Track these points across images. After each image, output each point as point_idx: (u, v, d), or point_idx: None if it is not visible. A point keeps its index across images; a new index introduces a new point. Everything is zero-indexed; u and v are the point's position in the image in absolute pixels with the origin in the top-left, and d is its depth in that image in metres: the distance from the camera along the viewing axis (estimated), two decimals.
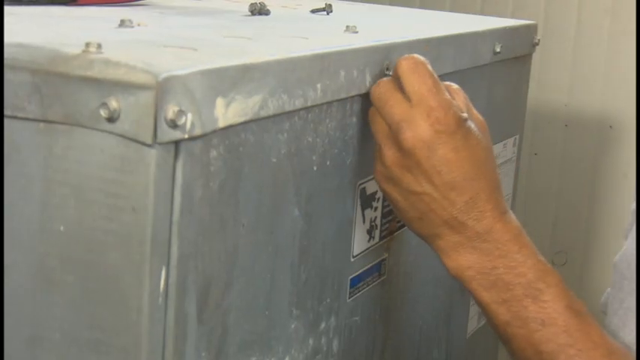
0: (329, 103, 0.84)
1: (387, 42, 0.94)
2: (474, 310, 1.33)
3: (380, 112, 0.86)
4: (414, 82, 0.84)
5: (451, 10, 1.62)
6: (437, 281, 1.18)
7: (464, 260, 0.87)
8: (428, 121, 0.83)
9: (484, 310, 0.87)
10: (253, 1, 1.12)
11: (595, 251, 2.08)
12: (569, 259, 2.13)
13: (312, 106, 0.82)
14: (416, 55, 0.85)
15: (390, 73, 0.89)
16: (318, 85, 0.82)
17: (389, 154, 0.84)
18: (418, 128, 0.83)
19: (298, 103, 0.79)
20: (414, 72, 0.85)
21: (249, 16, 1.08)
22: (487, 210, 0.86)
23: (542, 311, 0.85)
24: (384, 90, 0.86)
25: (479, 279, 0.86)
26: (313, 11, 1.16)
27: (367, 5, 1.47)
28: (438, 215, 0.85)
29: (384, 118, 0.86)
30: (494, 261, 0.87)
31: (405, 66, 0.84)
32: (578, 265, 2.12)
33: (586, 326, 0.85)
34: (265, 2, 1.13)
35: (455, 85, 0.89)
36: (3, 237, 0.79)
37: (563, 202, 2.15)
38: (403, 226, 1.03)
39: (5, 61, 0.72)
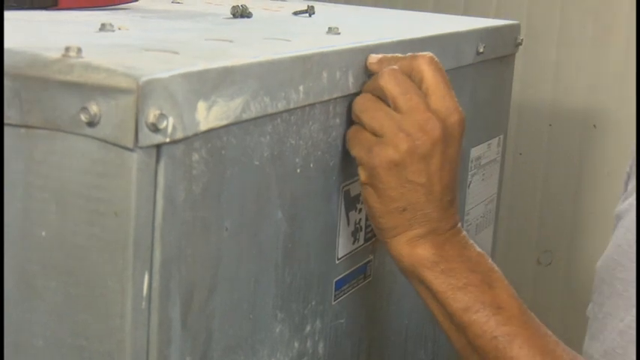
0: (312, 105, 0.84)
1: (370, 43, 0.95)
2: None
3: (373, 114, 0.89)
4: (400, 89, 0.87)
5: (434, 11, 1.63)
6: None
7: (423, 250, 0.88)
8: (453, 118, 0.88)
9: (439, 297, 0.87)
10: (235, 4, 1.12)
11: (580, 250, 2.09)
12: (555, 258, 2.15)
13: (295, 108, 0.82)
14: (397, 69, 0.87)
15: None
16: (301, 87, 0.82)
17: (405, 140, 0.86)
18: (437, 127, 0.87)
19: (281, 106, 0.80)
20: (400, 84, 0.87)
21: (231, 18, 1.08)
22: (456, 210, 0.90)
23: (498, 297, 0.86)
24: (369, 102, 0.90)
25: (437, 267, 0.87)
26: (295, 13, 1.17)
27: (350, 7, 1.47)
28: (423, 208, 0.87)
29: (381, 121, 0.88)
30: (456, 251, 0.88)
31: (388, 75, 0.88)
32: (564, 265, 2.14)
33: (533, 317, 0.89)
34: (247, 5, 1.13)
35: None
36: (3, 237, 0.79)
37: (548, 202, 2.17)
38: None
39: None
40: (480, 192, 1.34)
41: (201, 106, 0.70)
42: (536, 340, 0.86)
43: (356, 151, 0.87)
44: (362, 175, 0.87)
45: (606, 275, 0.98)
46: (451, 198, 0.87)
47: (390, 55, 0.90)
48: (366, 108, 0.86)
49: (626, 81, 1.89)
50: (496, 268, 0.89)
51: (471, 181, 1.29)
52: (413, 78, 0.86)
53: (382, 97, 0.84)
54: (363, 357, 1.07)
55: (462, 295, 0.86)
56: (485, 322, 0.85)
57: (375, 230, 0.90)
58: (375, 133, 0.85)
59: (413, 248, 0.88)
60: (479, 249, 0.89)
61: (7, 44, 0.76)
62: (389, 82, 0.84)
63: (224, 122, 0.74)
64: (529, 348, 0.85)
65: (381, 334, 1.10)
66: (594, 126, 2.02)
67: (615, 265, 0.98)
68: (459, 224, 0.89)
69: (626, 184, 1.08)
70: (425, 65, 0.86)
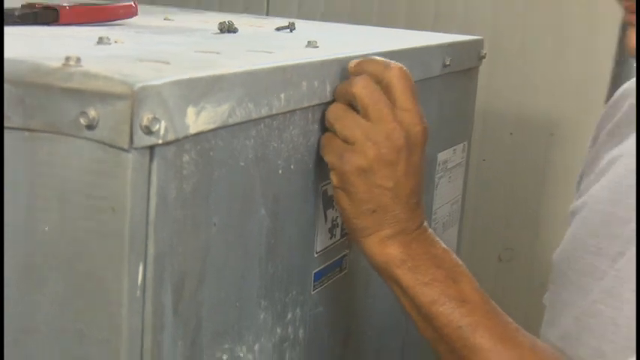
0: (292, 112, 0.85)
1: (345, 55, 0.95)
2: None
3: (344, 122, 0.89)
4: (371, 99, 0.87)
5: (406, 27, 1.64)
6: None
7: (393, 250, 0.88)
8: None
9: (409, 292, 0.88)
10: (222, 20, 1.14)
11: (539, 248, 2.12)
12: (515, 255, 2.18)
13: (277, 114, 0.83)
14: (369, 79, 0.88)
15: None
16: (282, 95, 0.83)
17: (372, 148, 0.86)
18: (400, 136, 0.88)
19: (264, 112, 0.81)
20: (372, 94, 0.87)
21: (218, 34, 1.10)
22: (422, 211, 0.91)
23: (462, 291, 0.87)
24: (341, 111, 0.91)
25: (405, 265, 0.88)
26: (278, 29, 1.19)
27: (328, 23, 1.48)
28: (392, 210, 0.87)
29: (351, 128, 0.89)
30: (422, 249, 0.89)
31: (360, 84, 0.88)
32: (523, 261, 2.18)
33: (495, 306, 0.89)
34: (233, 21, 1.15)
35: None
36: (3, 237, 0.79)
37: (509, 203, 2.20)
38: None
39: None
40: (446, 193, 1.35)
41: (191, 111, 0.71)
42: (498, 328, 0.86)
43: (329, 157, 0.87)
44: (334, 179, 0.88)
45: (562, 266, 1.00)
46: (417, 200, 0.88)
47: (367, 58, 0.91)
48: (339, 117, 0.86)
49: (582, 92, 1.91)
50: (460, 263, 0.89)
51: (438, 183, 1.30)
52: (383, 87, 0.87)
53: (353, 104, 0.85)
54: (340, 343, 1.08)
55: (429, 290, 0.87)
56: (450, 313, 0.86)
57: (347, 230, 0.91)
58: (346, 141, 0.85)
59: (383, 248, 0.88)
60: (444, 246, 0.90)
61: (11, 55, 0.76)
62: (361, 92, 0.84)
63: (212, 126, 0.74)
64: (491, 335, 0.85)
65: (358, 323, 1.11)
66: (551, 134, 2.04)
67: (570, 256, 0.99)
68: (425, 223, 0.90)
69: (579, 184, 1.10)
70: (395, 77, 0.86)
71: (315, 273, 0.96)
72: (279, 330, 0.90)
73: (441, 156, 1.28)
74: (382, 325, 1.17)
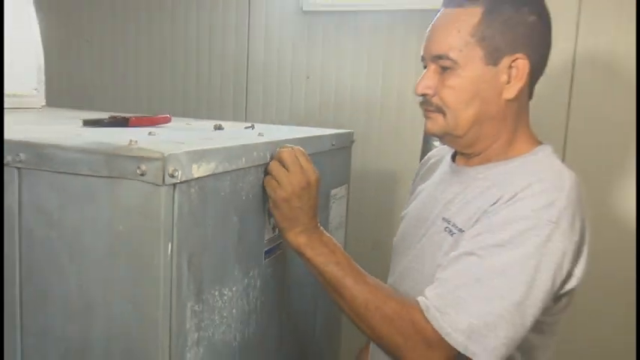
0: (249, 167, 0.91)
1: (278, 139, 1.02)
2: None
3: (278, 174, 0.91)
4: (289, 161, 0.90)
5: (315, 126, 1.63)
6: None
7: (301, 239, 0.90)
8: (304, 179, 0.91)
9: (310, 262, 0.90)
10: (216, 123, 1.22)
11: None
12: (381, 245, 2.06)
13: (241, 169, 0.89)
14: (288, 149, 0.93)
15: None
16: (243, 159, 0.89)
17: (290, 187, 0.88)
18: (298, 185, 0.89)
19: (233, 167, 0.86)
20: (289, 157, 0.91)
21: (213, 130, 1.19)
22: (317, 219, 0.92)
23: (338, 258, 0.88)
24: (275, 166, 0.92)
25: (308, 246, 0.90)
26: (246, 127, 1.32)
27: (273, 125, 1.51)
28: (301, 218, 0.91)
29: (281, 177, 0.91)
30: (317, 238, 0.90)
31: (285, 153, 0.92)
32: (386, 249, 2.14)
33: (361, 270, 0.89)
34: (222, 124, 1.22)
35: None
36: (3, 237, 0.78)
37: (375, 214, 2.19)
38: None
39: (88, 149, 0.74)
40: (336, 211, 1.39)
41: (194, 166, 0.76)
42: (356, 275, 0.87)
43: (268, 191, 0.93)
44: (270, 202, 0.93)
45: (397, 244, 1.04)
46: (314, 213, 0.93)
47: (286, 147, 0.96)
48: (274, 168, 0.93)
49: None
50: (339, 247, 0.93)
51: (331, 206, 1.35)
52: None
53: (282, 162, 0.92)
54: (282, 289, 1.10)
55: (321, 259, 0.89)
56: (330, 270, 0.88)
57: (278, 229, 0.94)
58: (277, 181, 0.91)
59: (296, 238, 0.91)
60: (329, 235, 0.93)
61: (105, 140, 0.79)
62: (285, 156, 0.92)
63: (206, 174, 0.79)
64: (352, 278, 0.86)
65: (291, 279, 1.12)
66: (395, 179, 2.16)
67: (400, 239, 1.04)
68: (319, 225, 0.93)
69: (411, 193, 1.14)
70: (298, 151, 0.92)
71: (264, 251, 1.01)
72: (245, 280, 0.95)
73: (333, 191, 1.34)
74: (300, 279, 1.14)
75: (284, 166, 0.91)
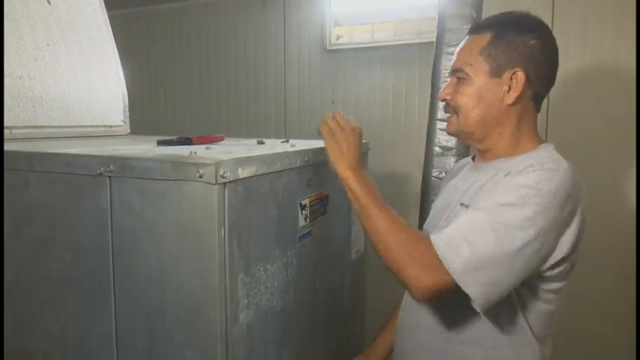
0: (283, 170, 0.91)
1: (305, 149, 1.00)
2: (354, 247, 1.30)
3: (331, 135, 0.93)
4: (339, 118, 0.92)
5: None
6: (336, 236, 1.16)
7: (349, 173, 0.87)
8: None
9: (356, 195, 0.85)
10: (259, 139, 1.21)
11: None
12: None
13: (277, 171, 0.89)
14: (331, 118, 0.94)
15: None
16: (278, 164, 0.90)
17: (340, 134, 0.88)
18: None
19: (271, 170, 0.86)
20: (339, 116, 0.93)
21: (256, 144, 1.16)
22: (359, 161, 0.89)
23: (376, 198, 0.85)
24: (330, 120, 0.93)
25: (356, 182, 0.87)
26: (282, 142, 1.25)
27: (305, 140, 1.44)
28: (348, 158, 0.88)
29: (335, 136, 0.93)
30: (363, 175, 0.88)
31: (335, 115, 0.94)
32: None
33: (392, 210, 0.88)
34: (264, 140, 1.20)
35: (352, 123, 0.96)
36: (3, 237, 0.84)
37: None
38: (320, 215, 1.07)
39: (160, 159, 0.74)
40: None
41: (240, 169, 0.77)
42: (389, 210, 0.83)
43: (326, 135, 0.90)
44: (327, 145, 0.91)
45: (427, 225, 0.99)
46: (357, 156, 0.90)
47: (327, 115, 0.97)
48: (330, 122, 0.91)
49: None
50: (375, 186, 0.87)
51: None
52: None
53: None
54: (316, 265, 1.06)
55: (363, 193, 0.86)
56: (366, 200, 0.84)
57: (331, 168, 0.90)
58: (332, 129, 0.91)
59: (345, 171, 0.89)
60: (370, 178, 0.90)
61: (175, 152, 0.78)
62: (337, 117, 0.91)
63: (249, 175, 0.79)
64: (383, 211, 0.82)
65: (322, 256, 1.10)
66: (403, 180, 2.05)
67: (430, 220, 0.99)
68: (362, 169, 0.90)
69: (441, 188, 1.08)
70: (339, 114, 0.93)
71: (299, 236, 1.00)
72: (284, 259, 0.95)
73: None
74: (334, 257, 1.15)
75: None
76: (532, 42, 0.85)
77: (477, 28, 0.90)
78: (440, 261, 0.75)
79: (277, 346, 0.88)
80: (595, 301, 1.71)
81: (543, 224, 0.76)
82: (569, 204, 0.78)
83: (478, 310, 0.75)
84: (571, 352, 1.70)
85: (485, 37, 0.87)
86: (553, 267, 0.81)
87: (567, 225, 0.80)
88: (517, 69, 0.85)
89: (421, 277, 0.74)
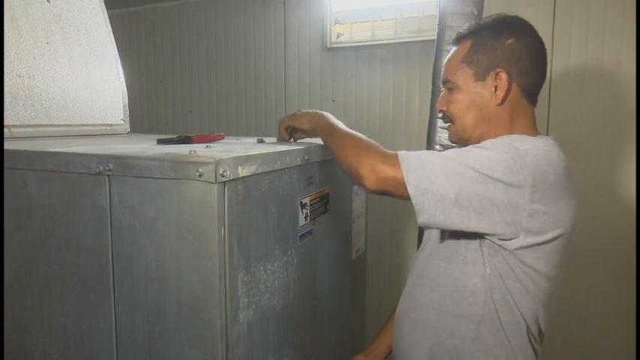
0: (283, 169, 0.91)
1: (305, 147, 1.00)
2: (354, 245, 1.32)
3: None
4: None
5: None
6: (336, 235, 1.16)
7: (317, 119, 0.99)
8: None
9: (326, 129, 0.95)
10: (259, 138, 1.22)
11: (410, 230, 1.96)
12: (399, 233, 2.00)
13: (277, 170, 0.89)
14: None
15: (307, 159, 0.99)
16: (278, 162, 0.89)
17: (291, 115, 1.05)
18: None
19: (270, 169, 0.86)
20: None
21: (256, 143, 1.15)
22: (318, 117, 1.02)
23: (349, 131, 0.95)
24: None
25: (325, 121, 0.97)
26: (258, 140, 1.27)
27: (307, 138, 1.44)
28: (319, 122, 0.99)
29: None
30: (331, 119, 0.99)
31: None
32: (403, 236, 1.98)
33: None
34: (264, 139, 1.21)
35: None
36: (3, 236, 0.83)
37: (392, 207, 2.06)
38: (320, 214, 1.08)
39: (160, 158, 0.73)
40: (358, 203, 1.29)
41: (240, 168, 0.76)
42: (356, 134, 0.92)
43: (288, 123, 1.05)
44: (292, 122, 1.05)
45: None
46: (312, 117, 1.01)
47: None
48: (284, 120, 1.07)
49: None
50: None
51: (354, 199, 1.27)
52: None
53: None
54: (316, 264, 1.07)
55: (332, 129, 0.93)
56: (341, 130, 0.92)
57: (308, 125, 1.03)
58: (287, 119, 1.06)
59: (319, 123, 0.98)
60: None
61: (176, 151, 0.78)
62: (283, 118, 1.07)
63: (249, 174, 0.79)
64: (352, 134, 0.90)
65: (322, 255, 1.10)
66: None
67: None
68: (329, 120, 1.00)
69: None
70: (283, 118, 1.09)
71: (299, 235, 1.00)
72: (284, 258, 0.95)
73: (355, 187, 1.27)
74: (332, 256, 1.14)
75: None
76: (510, 41, 0.87)
77: (458, 39, 0.94)
78: (397, 159, 0.80)
79: (277, 345, 0.88)
80: (595, 302, 1.70)
81: (500, 176, 0.75)
82: (526, 179, 0.75)
83: (419, 222, 0.78)
84: (571, 353, 1.66)
85: (466, 45, 0.91)
86: (526, 237, 0.78)
87: (524, 206, 0.76)
88: (499, 69, 0.87)
89: (376, 166, 0.79)
